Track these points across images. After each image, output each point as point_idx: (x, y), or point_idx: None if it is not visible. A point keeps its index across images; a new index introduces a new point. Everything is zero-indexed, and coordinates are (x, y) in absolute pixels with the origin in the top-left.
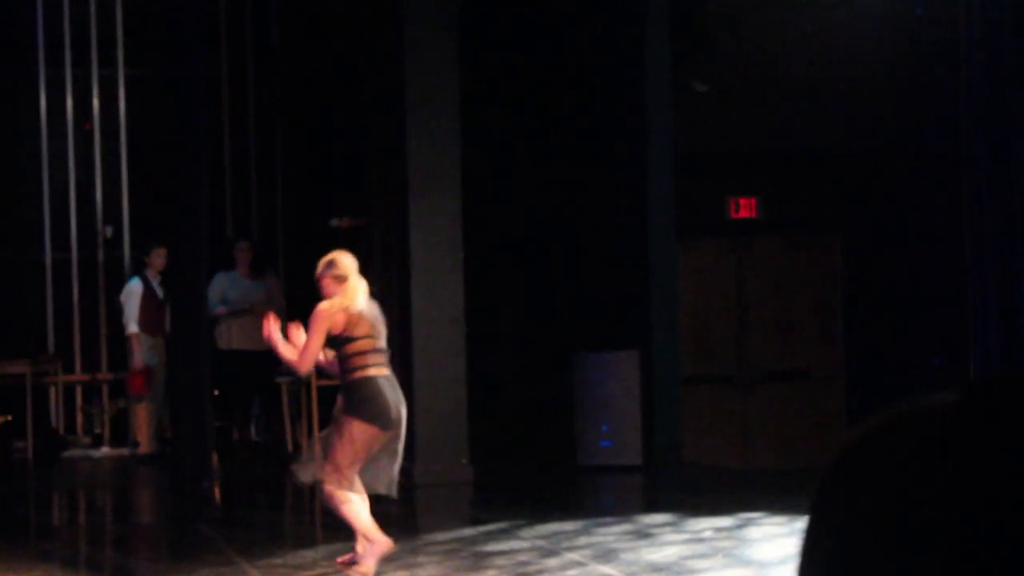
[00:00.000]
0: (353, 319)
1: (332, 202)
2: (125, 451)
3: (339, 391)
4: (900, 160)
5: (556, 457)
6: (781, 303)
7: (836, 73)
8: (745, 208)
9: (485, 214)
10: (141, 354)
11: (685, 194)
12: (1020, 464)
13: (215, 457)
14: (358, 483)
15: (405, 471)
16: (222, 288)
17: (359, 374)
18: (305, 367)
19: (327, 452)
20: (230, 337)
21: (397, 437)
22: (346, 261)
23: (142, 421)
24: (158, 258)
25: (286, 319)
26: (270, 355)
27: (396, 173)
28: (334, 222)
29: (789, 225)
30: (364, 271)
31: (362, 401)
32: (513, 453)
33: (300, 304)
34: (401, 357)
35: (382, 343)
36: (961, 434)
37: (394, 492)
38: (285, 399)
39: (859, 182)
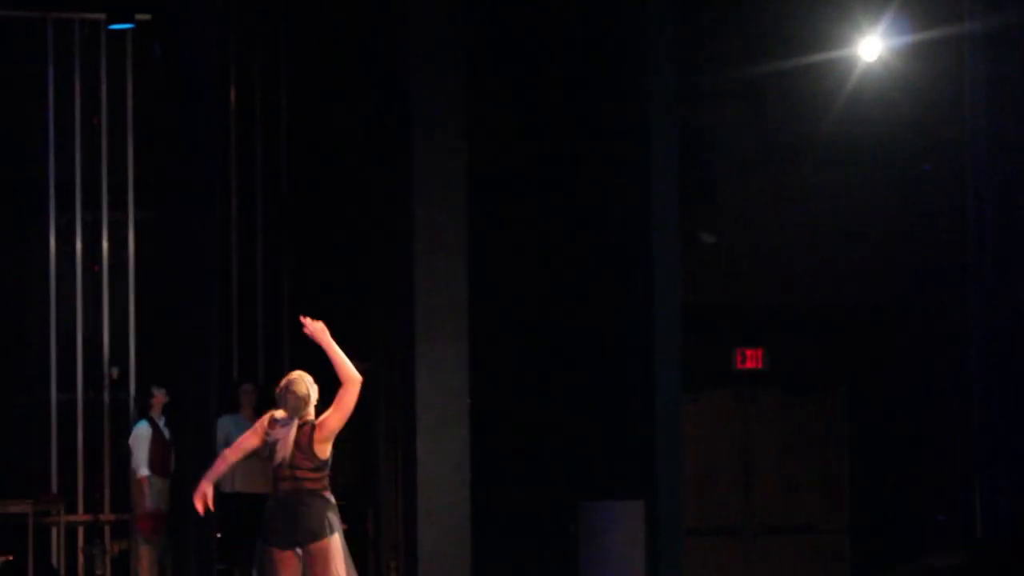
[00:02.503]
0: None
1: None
2: None
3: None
4: (906, 315)
5: None
6: (786, 455)
7: (842, 228)
8: (751, 359)
9: (493, 362)
10: (151, 497)
11: (691, 344)
12: None
13: None
14: None
15: None
16: (226, 431)
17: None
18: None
19: None
20: (233, 480)
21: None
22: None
23: (145, 564)
24: (159, 399)
25: None
26: None
27: (403, 319)
28: None
29: (795, 377)
30: (370, 416)
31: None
32: None
33: None
34: (406, 504)
35: None
36: None
37: None
38: None
39: (865, 336)
